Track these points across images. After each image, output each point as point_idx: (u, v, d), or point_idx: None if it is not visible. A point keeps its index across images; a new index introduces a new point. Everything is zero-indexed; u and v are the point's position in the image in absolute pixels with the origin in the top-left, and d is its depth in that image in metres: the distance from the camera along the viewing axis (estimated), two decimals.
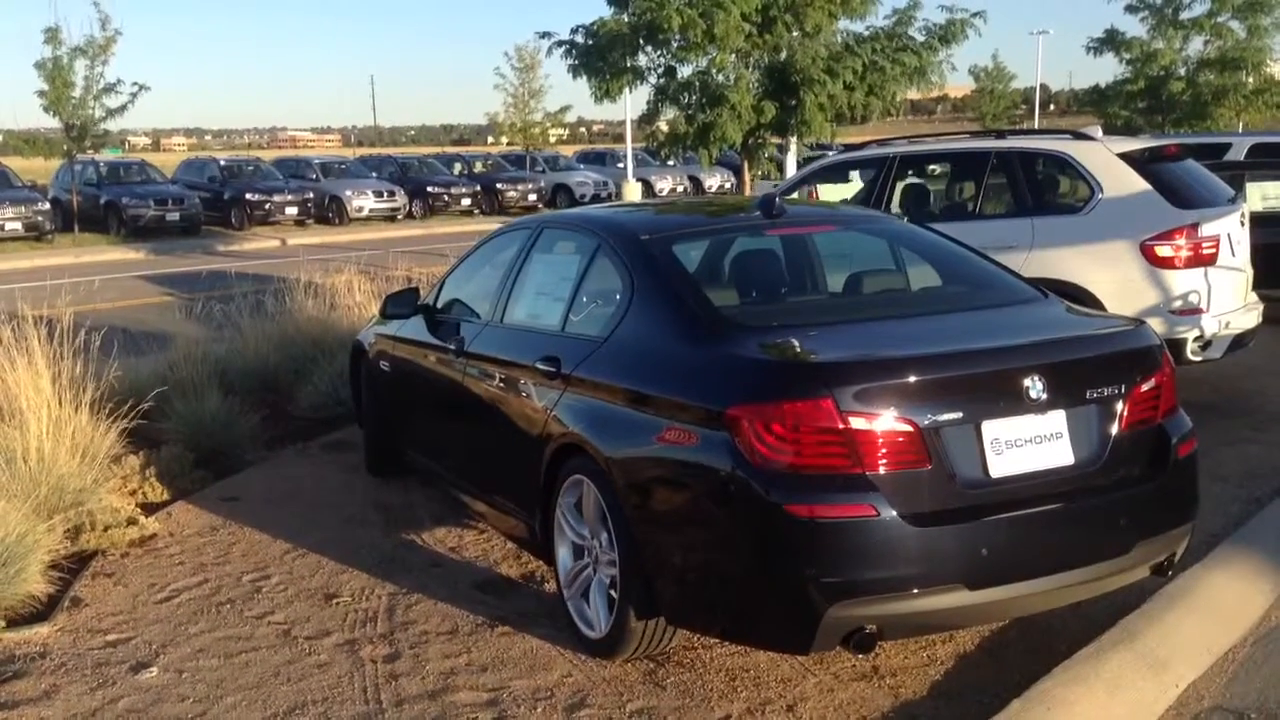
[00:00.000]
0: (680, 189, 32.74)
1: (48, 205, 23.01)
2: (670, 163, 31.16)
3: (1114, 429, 3.46)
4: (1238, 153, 11.09)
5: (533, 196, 30.66)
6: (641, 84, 15.91)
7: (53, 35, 21.77)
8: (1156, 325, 3.94)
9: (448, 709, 3.51)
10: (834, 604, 3.11)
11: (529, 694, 3.59)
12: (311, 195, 27.08)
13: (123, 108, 22.80)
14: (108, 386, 5.90)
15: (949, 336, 3.66)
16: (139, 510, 5.46)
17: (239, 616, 4.31)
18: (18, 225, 22.10)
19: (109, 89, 22.53)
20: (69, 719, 3.53)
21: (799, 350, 3.44)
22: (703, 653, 3.82)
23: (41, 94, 22.15)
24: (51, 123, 23.09)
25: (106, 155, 27.55)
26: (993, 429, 3.28)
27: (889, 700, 3.49)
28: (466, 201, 29.60)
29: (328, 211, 27.47)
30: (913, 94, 17.15)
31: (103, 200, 24.43)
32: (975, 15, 15.55)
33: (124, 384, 6.38)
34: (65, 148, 23.30)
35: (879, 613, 3.15)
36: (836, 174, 9.21)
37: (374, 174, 30.49)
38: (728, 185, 31.70)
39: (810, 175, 8.93)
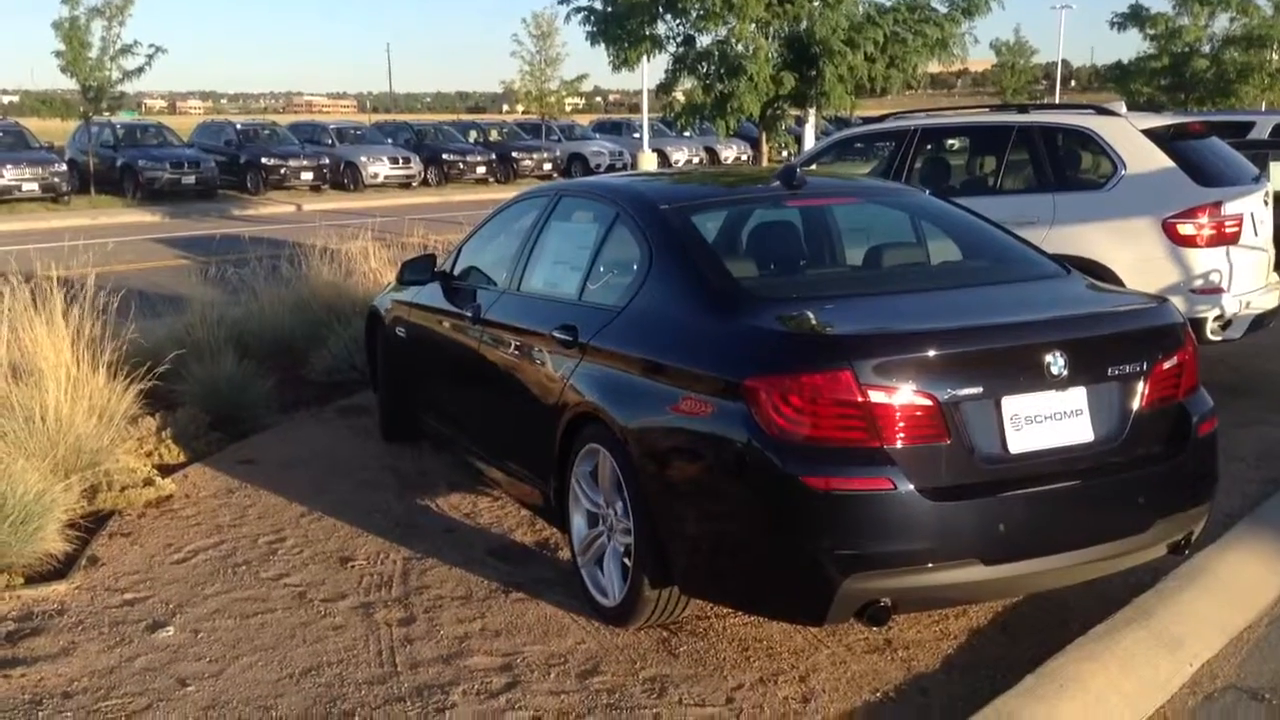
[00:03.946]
0: (696, 160, 32.57)
1: (64, 166, 23.02)
2: (686, 133, 31.08)
3: (1134, 406, 3.44)
4: (1261, 131, 10.97)
5: (548, 165, 30.58)
6: (660, 53, 15.79)
7: None
8: (1177, 304, 3.90)
9: (461, 673, 3.53)
10: (849, 576, 3.11)
11: (542, 660, 3.61)
12: (327, 161, 27.08)
13: (139, 69, 22.85)
14: (125, 348, 5.92)
15: (969, 311, 3.64)
16: (155, 471, 5.48)
17: (255, 578, 4.34)
18: (34, 186, 22.15)
19: (125, 50, 22.56)
20: (86, 676, 3.56)
21: (817, 322, 3.42)
22: (716, 622, 3.83)
23: (58, 54, 22.17)
24: (68, 84, 23.18)
25: (122, 117, 27.53)
26: (1013, 404, 3.26)
27: (901, 673, 3.49)
28: (481, 169, 29.55)
29: (343, 177, 27.46)
30: (933, 67, 16.98)
31: (119, 162, 24.44)
32: None
33: (141, 346, 6.40)
34: (82, 109, 23.33)
35: (894, 586, 3.15)
36: (856, 147, 9.14)
37: (389, 140, 30.43)
38: (744, 157, 31.52)
39: (830, 147, 8.87)
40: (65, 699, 3.42)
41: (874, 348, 3.21)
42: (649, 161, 28.13)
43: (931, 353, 3.22)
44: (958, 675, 3.48)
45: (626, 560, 3.72)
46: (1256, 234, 6.55)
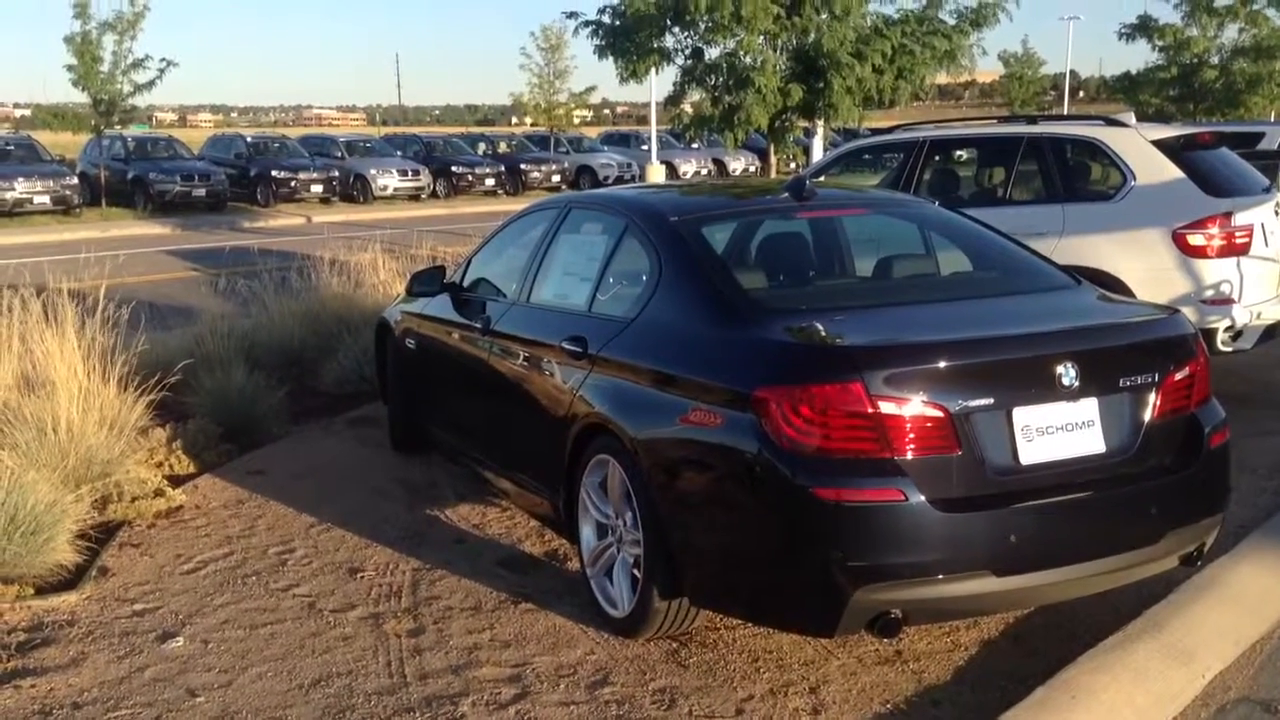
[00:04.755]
0: (704, 172, 32.62)
1: (75, 179, 23.11)
2: (695, 145, 31.20)
3: (1146, 417, 3.43)
4: (1271, 142, 10.91)
5: (556, 178, 30.66)
6: (668, 65, 15.87)
7: (82, 9, 21.90)
8: (1187, 314, 3.90)
9: (471, 684, 3.53)
10: (860, 588, 3.10)
11: (552, 671, 3.60)
12: (336, 173, 27.17)
13: (150, 83, 22.93)
14: (135, 360, 5.94)
15: (980, 322, 3.64)
16: (166, 482, 5.50)
17: (264, 589, 4.35)
18: (46, 199, 22.23)
19: (137, 64, 22.66)
20: (96, 686, 3.56)
21: (828, 334, 3.42)
22: (725, 633, 3.82)
23: (70, 68, 22.28)
24: (80, 97, 23.26)
25: (134, 131, 27.66)
26: (1024, 415, 3.25)
27: (912, 685, 3.48)
28: (490, 182, 29.63)
29: (352, 190, 27.54)
30: (941, 78, 17.01)
31: (130, 175, 24.55)
32: None
33: (151, 357, 6.42)
34: (93, 123, 23.43)
35: (905, 597, 3.14)
36: (865, 158, 9.15)
37: (399, 153, 30.55)
38: (752, 169, 31.56)
39: (838, 159, 8.88)
40: (75, 710, 3.42)
41: (884, 359, 3.21)
42: (657, 173, 28.18)
43: (942, 364, 3.22)
44: (969, 687, 3.46)
45: (636, 571, 3.71)
46: (1267, 244, 6.53)
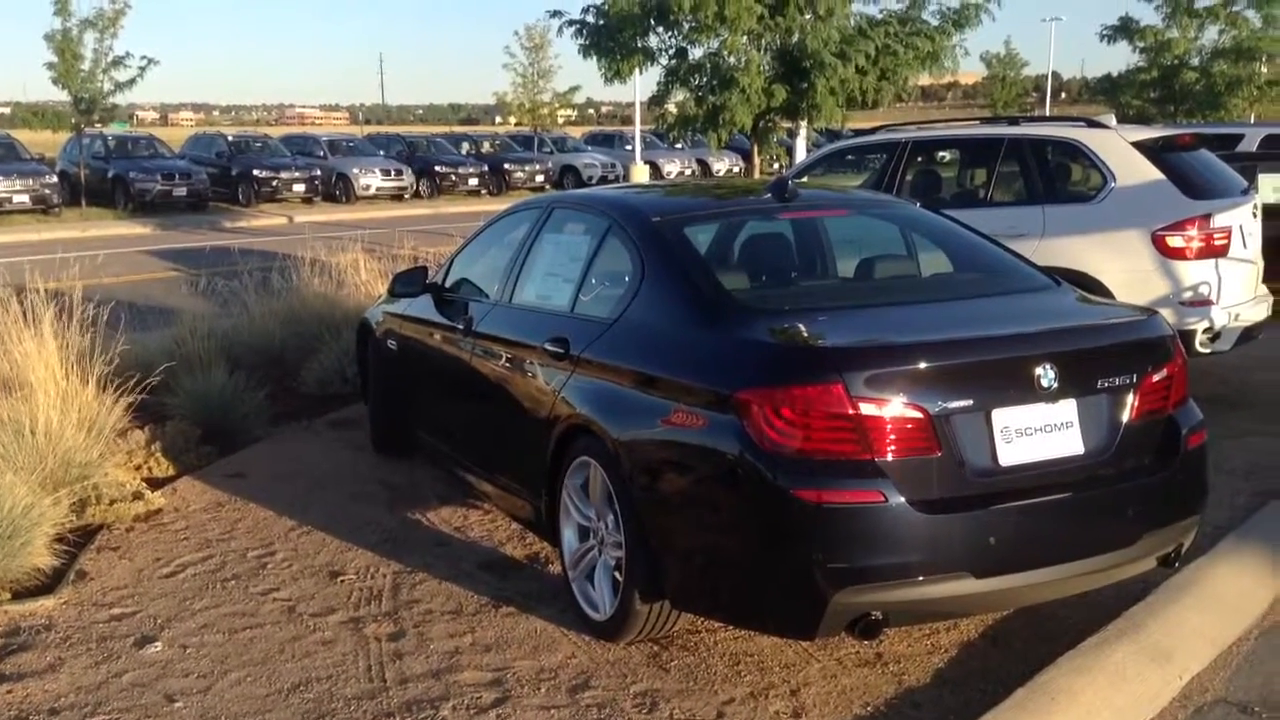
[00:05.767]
0: (688, 172, 32.65)
1: (55, 178, 22.95)
2: (678, 145, 31.19)
3: (1124, 419, 3.45)
4: (1250, 144, 11.01)
5: (540, 177, 30.64)
6: (652, 65, 15.84)
7: (62, 7, 21.77)
8: (1166, 316, 3.92)
9: (451, 688, 3.51)
10: (840, 590, 3.10)
11: (533, 674, 3.59)
12: (319, 173, 27.08)
13: (131, 81, 22.83)
14: (114, 361, 5.90)
15: (961, 323, 3.64)
16: (145, 485, 5.46)
17: (244, 592, 4.32)
18: (25, 198, 22.07)
19: (117, 62, 22.55)
20: (73, 692, 3.54)
21: (809, 335, 3.42)
22: (706, 636, 3.82)
23: (50, 66, 22.13)
24: (60, 95, 23.13)
25: (114, 129, 27.48)
26: (1003, 417, 3.26)
27: (892, 687, 3.49)
28: (474, 181, 29.58)
29: (335, 189, 27.45)
30: (924, 79, 17.06)
31: (110, 174, 24.38)
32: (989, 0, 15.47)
33: (130, 358, 6.37)
34: (73, 121, 23.29)
35: (885, 599, 3.15)
36: (848, 159, 9.17)
37: (381, 152, 30.46)
38: (736, 169, 31.60)
39: (821, 159, 8.90)
40: (52, 715, 3.40)
41: (865, 360, 3.21)
42: (641, 174, 28.19)
43: (922, 365, 3.22)
44: (949, 689, 3.47)
45: (617, 574, 3.71)
46: (1245, 246, 6.58)
